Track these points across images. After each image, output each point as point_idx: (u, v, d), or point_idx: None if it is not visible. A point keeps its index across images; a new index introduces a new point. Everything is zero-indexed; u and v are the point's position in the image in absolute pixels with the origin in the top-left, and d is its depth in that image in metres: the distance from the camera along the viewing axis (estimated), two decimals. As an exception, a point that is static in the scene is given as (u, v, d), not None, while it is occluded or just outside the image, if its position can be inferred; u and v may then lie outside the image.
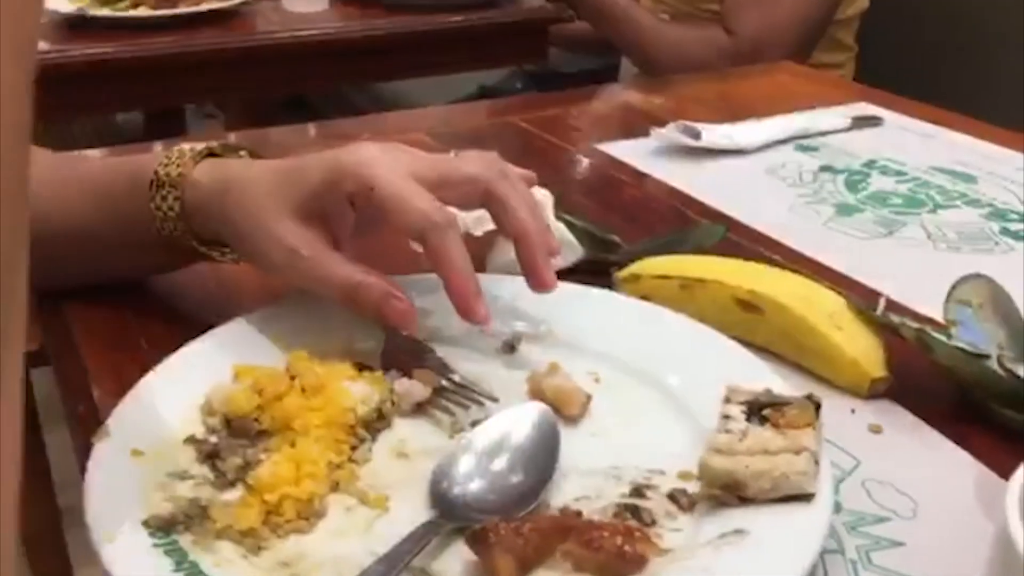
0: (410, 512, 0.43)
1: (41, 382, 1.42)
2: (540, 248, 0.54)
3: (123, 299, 0.62)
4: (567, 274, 0.63)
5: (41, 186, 0.60)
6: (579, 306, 0.59)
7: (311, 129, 1.09)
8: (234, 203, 0.54)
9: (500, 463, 0.45)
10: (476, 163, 0.54)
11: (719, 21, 1.43)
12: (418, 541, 0.40)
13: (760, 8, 1.38)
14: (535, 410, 0.48)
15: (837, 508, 0.45)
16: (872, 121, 1.00)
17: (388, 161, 0.52)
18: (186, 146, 0.58)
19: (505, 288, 0.59)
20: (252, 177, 0.55)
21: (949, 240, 0.74)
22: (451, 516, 0.42)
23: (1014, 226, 0.76)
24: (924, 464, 0.49)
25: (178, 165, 0.56)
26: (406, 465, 0.47)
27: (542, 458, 0.45)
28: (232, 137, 1.18)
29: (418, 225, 0.50)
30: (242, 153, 0.59)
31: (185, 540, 0.40)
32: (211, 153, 0.58)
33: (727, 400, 0.47)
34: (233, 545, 0.40)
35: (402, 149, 0.54)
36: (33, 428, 1.37)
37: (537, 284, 0.54)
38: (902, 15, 1.58)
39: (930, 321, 0.56)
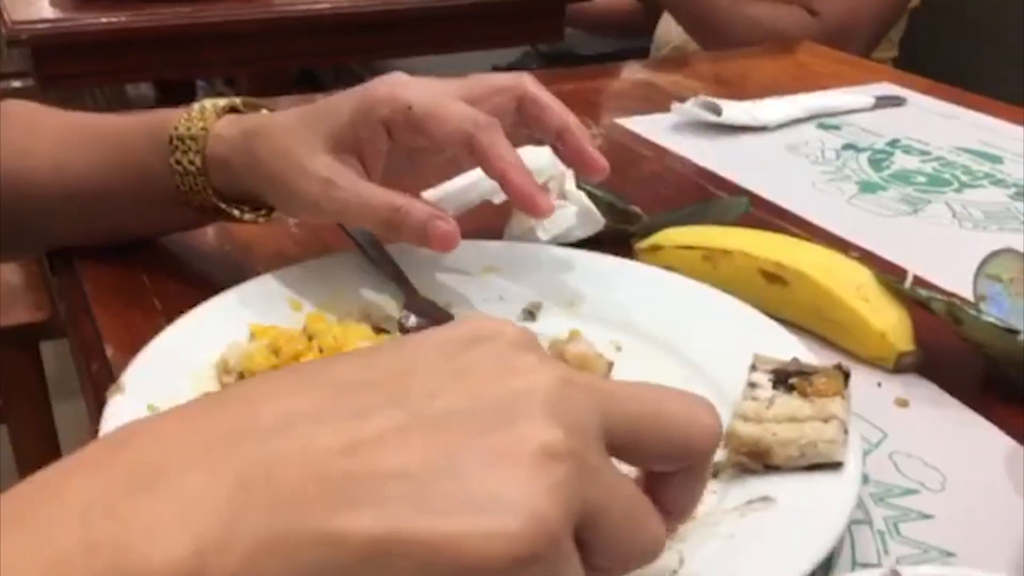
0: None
1: (49, 356, 1.42)
2: (584, 135, 0.54)
3: (137, 259, 0.62)
4: (588, 244, 0.62)
5: (53, 141, 0.59)
6: (600, 275, 0.58)
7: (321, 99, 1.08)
8: (262, 145, 0.53)
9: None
10: (506, 77, 0.54)
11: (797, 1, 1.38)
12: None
13: None
14: None
15: (864, 480, 0.44)
16: (895, 101, 0.98)
17: (419, 83, 0.52)
18: (208, 102, 0.57)
19: (525, 256, 0.59)
20: (279, 120, 0.54)
21: (975, 219, 0.73)
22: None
23: (1041, 206, 0.75)
24: (952, 438, 0.48)
25: (200, 119, 0.55)
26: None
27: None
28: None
29: (463, 128, 0.50)
30: (264, 111, 0.59)
31: None
32: (233, 109, 0.57)
33: (753, 368, 0.46)
34: None
35: (429, 79, 0.53)
36: (43, 402, 1.37)
37: (591, 169, 0.53)
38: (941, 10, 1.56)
39: (958, 298, 0.55)
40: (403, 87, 0.51)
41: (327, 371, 0.29)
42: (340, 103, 0.52)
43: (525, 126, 0.55)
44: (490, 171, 0.51)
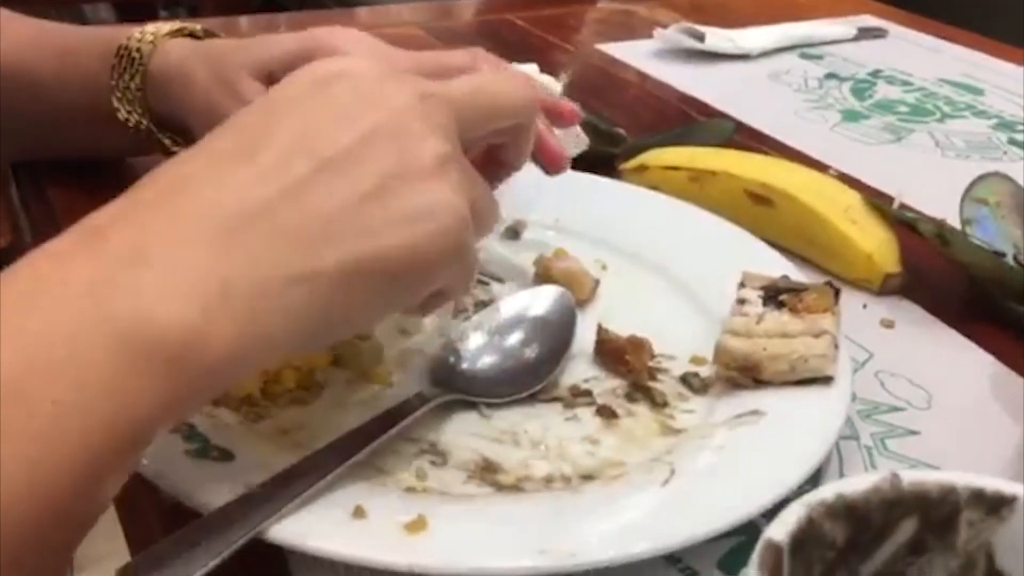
0: (414, 386, 0.41)
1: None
2: (546, 124, 0.50)
3: (107, 183, 0.59)
4: (572, 164, 0.61)
5: (11, 42, 0.56)
6: (585, 194, 0.57)
7: (281, 20, 1.05)
8: (200, 67, 0.51)
9: (514, 339, 0.43)
10: (461, 55, 0.51)
11: None
12: (415, 407, 0.38)
13: None
14: (553, 290, 0.46)
15: (851, 397, 0.44)
16: (877, 32, 0.97)
17: (367, 47, 0.49)
18: (164, 24, 0.54)
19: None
20: (219, 45, 0.52)
21: (957, 148, 0.72)
22: (455, 388, 0.41)
23: (1021, 137, 0.74)
24: (937, 358, 0.48)
25: (152, 37, 0.53)
26: (410, 343, 0.45)
27: (559, 336, 0.44)
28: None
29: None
30: (222, 35, 0.56)
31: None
32: (191, 35, 0.55)
33: (742, 285, 0.46)
34: (231, 412, 0.39)
35: (376, 39, 0.51)
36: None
37: (563, 116, 0.50)
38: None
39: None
40: (348, 47, 0.48)
41: (216, 148, 0.32)
42: (283, 40, 0.50)
43: None
44: None
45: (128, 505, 0.38)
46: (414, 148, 0.33)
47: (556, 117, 0.50)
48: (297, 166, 0.31)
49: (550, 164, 0.48)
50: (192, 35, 0.55)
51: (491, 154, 0.41)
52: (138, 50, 0.52)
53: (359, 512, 0.33)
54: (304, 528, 0.32)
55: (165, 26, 0.54)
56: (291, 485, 0.33)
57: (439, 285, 0.35)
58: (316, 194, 0.31)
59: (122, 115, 0.53)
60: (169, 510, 0.35)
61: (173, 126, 0.54)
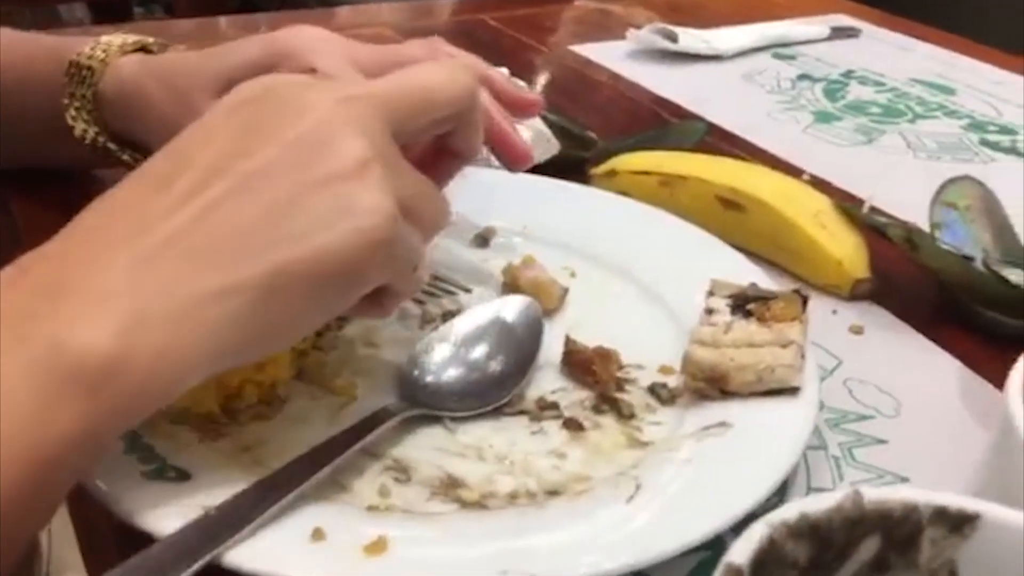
0: (379, 399, 0.40)
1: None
2: (508, 81, 0.50)
3: (72, 194, 0.58)
4: (542, 169, 0.61)
5: None
6: (555, 200, 0.56)
7: (261, 20, 1.04)
8: (156, 86, 0.49)
9: (479, 351, 0.43)
10: (419, 47, 0.50)
11: None
12: (379, 423, 0.38)
13: None
14: (520, 301, 0.45)
15: (819, 406, 0.43)
16: (850, 32, 0.97)
17: (327, 45, 0.48)
18: (116, 37, 0.53)
19: (477, 180, 0.57)
20: (176, 60, 0.51)
21: (929, 149, 0.73)
22: (420, 403, 0.40)
23: (993, 137, 0.75)
24: (906, 364, 0.48)
25: (103, 53, 0.51)
26: (375, 355, 0.45)
27: (526, 347, 0.43)
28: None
29: None
30: (181, 47, 0.55)
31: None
32: (143, 49, 0.53)
33: (711, 293, 0.45)
34: (191, 430, 0.38)
35: (339, 36, 0.49)
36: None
37: (527, 106, 0.50)
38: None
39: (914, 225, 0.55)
40: (310, 49, 0.47)
41: (146, 175, 0.33)
42: (242, 49, 0.49)
43: None
44: None
45: (88, 529, 0.38)
46: (333, 152, 0.33)
47: (518, 109, 0.49)
48: (214, 187, 0.32)
49: (512, 160, 0.48)
50: (145, 49, 0.53)
51: (441, 145, 0.40)
52: (89, 68, 0.51)
53: (318, 534, 0.32)
54: (261, 552, 0.31)
55: (117, 39, 0.53)
56: (249, 506, 0.33)
57: (374, 284, 0.35)
58: (230, 211, 0.32)
59: (78, 131, 0.52)
60: (127, 534, 0.34)
61: (132, 142, 0.53)
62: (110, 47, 0.52)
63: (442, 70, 0.38)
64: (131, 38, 0.53)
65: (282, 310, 0.32)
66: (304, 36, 0.48)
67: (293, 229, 0.32)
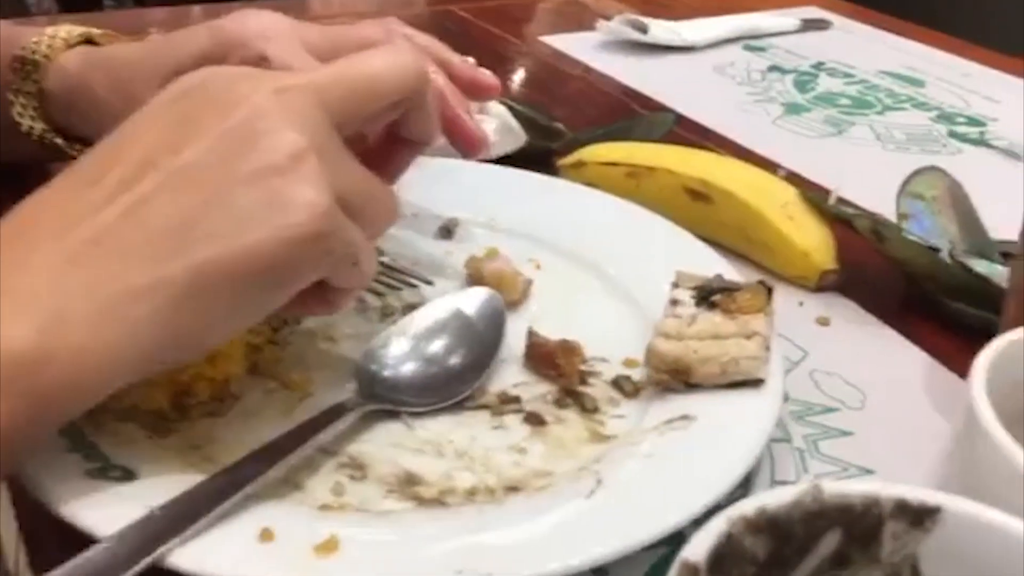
0: (335, 395, 0.39)
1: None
2: (465, 62, 0.49)
3: (30, 189, 0.57)
4: (509, 161, 0.60)
5: None
6: (520, 191, 0.55)
7: (234, 8, 1.02)
8: (102, 79, 0.48)
9: (438, 345, 0.42)
10: (373, 27, 0.49)
11: None
12: (335, 418, 0.37)
13: None
14: (481, 293, 0.44)
15: (784, 398, 0.43)
16: (820, 24, 0.97)
17: (279, 30, 0.46)
18: (63, 29, 0.51)
19: (441, 171, 0.56)
20: (121, 52, 0.49)
21: (898, 141, 0.72)
22: (377, 398, 0.39)
23: (961, 129, 0.75)
24: (872, 356, 0.48)
25: (48, 46, 0.50)
26: (333, 349, 0.44)
27: (487, 341, 0.42)
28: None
29: None
30: (118, 44, 0.53)
31: (82, 419, 0.36)
32: (90, 41, 0.52)
33: (676, 285, 0.45)
34: (138, 427, 0.37)
35: (288, 18, 0.48)
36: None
37: (485, 89, 0.48)
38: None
39: (881, 216, 0.55)
40: (260, 36, 0.46)
41: (77, 171, 0.33)
42: (189, 39, 0.47)
43: None
44: None
45: (31, 529, 0.36)
46: (265, 145, 0.32)
47: (476, 92, 0.48)
48: (143, 183, 0.31)
49: (466, 146, 0.46)
50: (91, 40, 0.52)
51: (394, 133, 0.39)
52: (33, 62, 0.50)
53: (266, 535, 0.31)
54: (206, 553, 0.30)
55: (62, 31, 0.51)
56: (196, 506, 0.32)
57: (308, 281, 0.34)
58: (157, 207, 0.31)
59: (25, 127, 0.51)
60: (71, 535, 0.33)
61: (80, 136, 0.51)
62: (55, 40, 0.50)
63: (387, 55, 0.37)
64: (77, 29, 0.51)
65: (207, 308, 0.31)
66: (253, 23, 0.46)
67: (219, 225, 0.31)
